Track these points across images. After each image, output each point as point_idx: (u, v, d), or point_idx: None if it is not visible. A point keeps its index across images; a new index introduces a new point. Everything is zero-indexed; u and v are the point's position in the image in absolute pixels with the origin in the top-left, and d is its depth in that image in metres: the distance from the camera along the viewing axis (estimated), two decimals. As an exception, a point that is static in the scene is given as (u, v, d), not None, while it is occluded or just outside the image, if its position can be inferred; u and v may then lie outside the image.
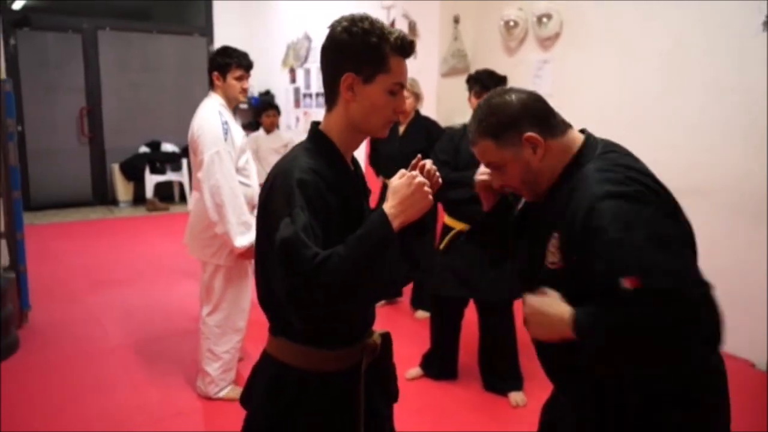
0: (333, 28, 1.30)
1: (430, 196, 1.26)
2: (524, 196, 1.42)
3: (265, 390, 1.35)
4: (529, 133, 1.29)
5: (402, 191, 1.24)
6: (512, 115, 1.31)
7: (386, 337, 1.46)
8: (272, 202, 1.26)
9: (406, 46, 1.28)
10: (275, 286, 1.24)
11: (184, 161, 8.26)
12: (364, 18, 1.28)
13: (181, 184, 8.34)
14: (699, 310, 1.08)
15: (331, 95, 1.32)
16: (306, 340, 1.31)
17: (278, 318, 1.35)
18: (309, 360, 1.32)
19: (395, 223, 1.21)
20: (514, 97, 1.33)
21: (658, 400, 1.24)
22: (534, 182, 1.34)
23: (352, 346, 1.36)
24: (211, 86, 2.90)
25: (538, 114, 1.32)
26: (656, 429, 1.25)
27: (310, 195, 1.21)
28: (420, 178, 1.26)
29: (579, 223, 1.18)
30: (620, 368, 1.20)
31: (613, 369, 1.21)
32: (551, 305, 1.20)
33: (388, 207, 1.23)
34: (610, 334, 1.12)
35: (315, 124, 1.37)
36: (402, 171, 1.29)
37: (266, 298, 1.35)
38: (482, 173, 1.50)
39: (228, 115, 2.81)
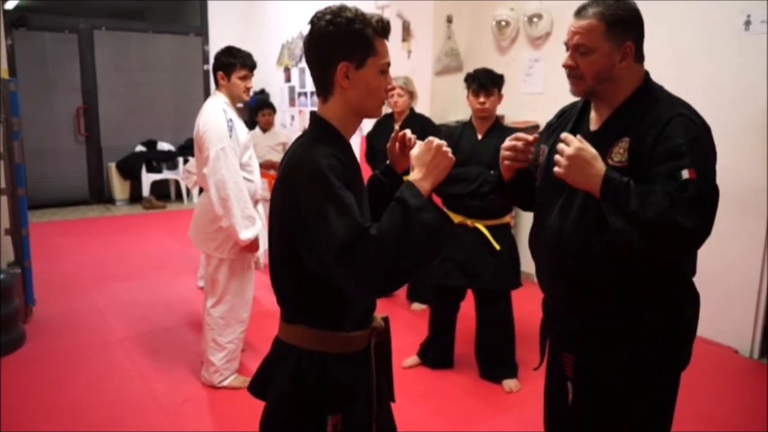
0: (315, 23, 1.34)
1: (450, 154, 1.36)
2: (577, 88, 1.55)
3: (290, 375, 1.40)
4: (630, 44, 1.47)
5: (424, 157, 1.35)
6: (632, 20, 1.48)
7: (386, 320, 1.57)
8: (302, 194, 1.28)
9: (386, 28, 1.38)
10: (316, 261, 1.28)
11: (180, 160, 8.32)
12: (342, 8, 1.34)
13: (177, 183, 8.39)
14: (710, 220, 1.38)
15: (325, 86, 1.38)
16: (325, 326, 1.39)
17: (300, 306, 1.41)
18: (329, 343, 1.40)
19: (426, 186, 1.31)
20: (639, 10, 1.50)
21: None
22: (603, 82, 1.49)
23: (363, 329, 1.46)
24: (216, 85, 2.97)
25: (641, 36, 1.51)
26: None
27: (339, 177, 1.28)
28: (437, 141, 1.36)
29: (655, 131, 1.42)
30: (632, 238, 1.36)
31: (624, 240, 1.37)
32: (595, 158, 1.40)
33: (416, 174, 1.33)
34: (637, 199, 1.34)
35: (316, 115, 1.43)
36: (419, 142, 1.39)
37: (288, 288, 1.42)
38: (507, 147, 1.63)
39: (232, 113, 2.89)
